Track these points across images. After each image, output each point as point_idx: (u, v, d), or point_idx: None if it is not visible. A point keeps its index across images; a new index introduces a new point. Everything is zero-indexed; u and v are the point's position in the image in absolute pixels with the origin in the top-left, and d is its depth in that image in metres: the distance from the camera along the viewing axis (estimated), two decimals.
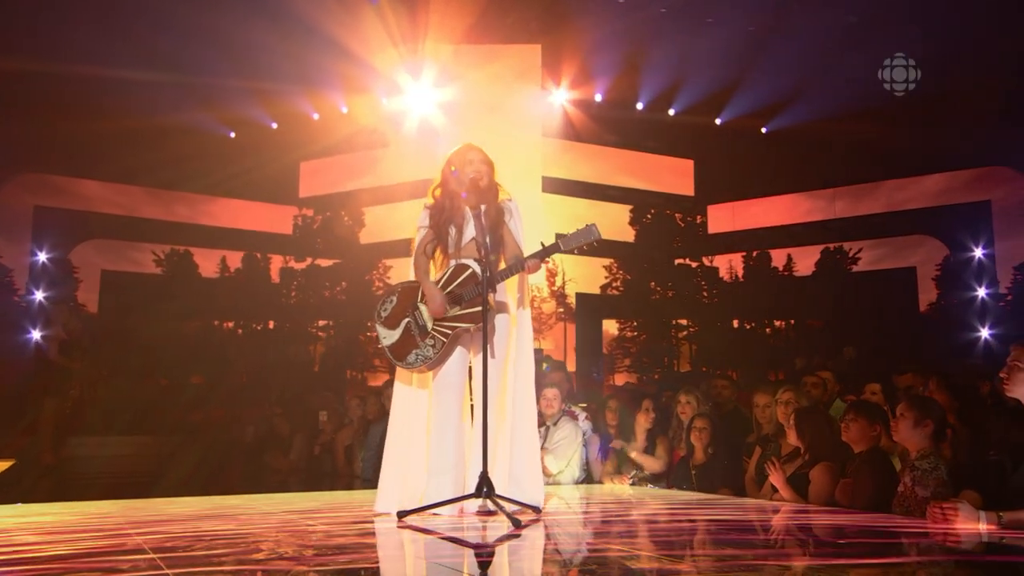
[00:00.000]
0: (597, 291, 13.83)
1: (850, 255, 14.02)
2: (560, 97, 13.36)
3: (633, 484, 5.91)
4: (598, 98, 13.44)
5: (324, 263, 15.73)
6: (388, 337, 4.38)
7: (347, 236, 15.48)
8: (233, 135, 14.52)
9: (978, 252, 14.64)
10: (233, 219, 15.25)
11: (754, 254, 14.01)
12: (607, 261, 14.00)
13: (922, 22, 11.78)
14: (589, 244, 4.28)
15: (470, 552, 3.29)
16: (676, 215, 13.88)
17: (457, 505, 4.12)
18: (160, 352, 12.01)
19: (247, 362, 13.16)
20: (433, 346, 4.25)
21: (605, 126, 13.29)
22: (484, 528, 3.82)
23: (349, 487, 6.88)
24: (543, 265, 4.35)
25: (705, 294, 13.90)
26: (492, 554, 3.28)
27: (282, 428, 8.61)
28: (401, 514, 4.03)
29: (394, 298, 4.40)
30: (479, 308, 4.18)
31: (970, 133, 13.30)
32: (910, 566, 3.01)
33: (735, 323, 13.82)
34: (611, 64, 12.97)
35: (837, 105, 12.80)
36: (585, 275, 13.60)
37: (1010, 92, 12.15)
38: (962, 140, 13.55)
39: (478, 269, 4.26)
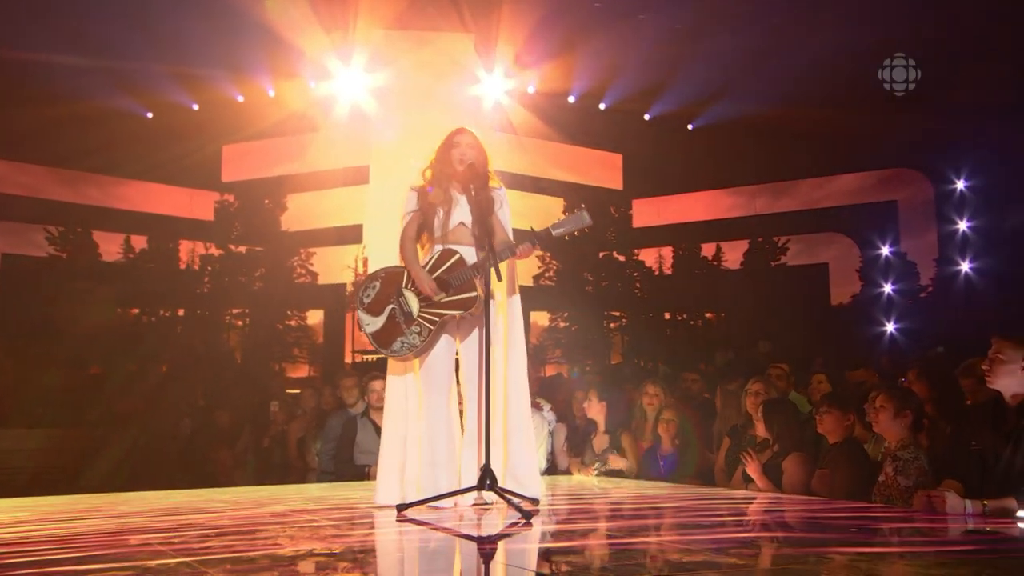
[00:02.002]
0: (530, 282, 13.91)
1: (779, 244, 14.50)
2: (493, 87, 13.33)
3: (598, 475, 5.99)
4: (531, 90, 13.47)
5: (244, 250, 15.29)
6: (371, 324, 4.27)
7: (269, 223, 15.08)
8: (150, 116, 13.95)
9: (885, 250, 15.37)
10: (149, 203, 14.66)
11: (682, 248, 14.33)
12: (540, 252, 14.07)
13: (832, 25, 12.26)
14: (580, 230, 4.29)
15: (474, 545, 3.30)
16: (611, 208, 14.07)
17: (455, 497, 4.11)
18: (78, 340, 11.46)
19: (171, 351, 12.69)
20: (419, 333, 4.19)
21: (538, 118, 13.34)
22: (479, 521, 3.83)
23: (303, 480, 6.75)
24: (534, 250, 4.33)
25: (639, 285, 14.14)
26: (495, 547, 3.30)
27: (223, 419, 8.36)
28: (401, 507, 3.99)
29: (377, 283, 4.31)
30: (468, 295, 4.15)
31: (880, 135, 13.95)
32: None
33: (667, 315, 14.11)
34: (544, 56, 13.01)
35: (761, 104, 13.22)
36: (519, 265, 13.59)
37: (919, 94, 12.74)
38: (872, 142, 14.21)
39: (466, 255, 4.23)
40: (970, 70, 12.52)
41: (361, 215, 13.92)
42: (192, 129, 13.68)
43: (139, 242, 14.88)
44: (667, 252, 14.59)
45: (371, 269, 14.59)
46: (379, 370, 6.48)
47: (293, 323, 15.72)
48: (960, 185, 15.01)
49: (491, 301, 4.21)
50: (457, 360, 4.38)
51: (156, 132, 13.66)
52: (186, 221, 14.85)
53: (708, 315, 14.12)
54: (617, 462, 5.91)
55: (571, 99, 13.74)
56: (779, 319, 13.69)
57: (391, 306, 4.23)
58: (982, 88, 12.60)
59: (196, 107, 13.89)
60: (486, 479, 3.88)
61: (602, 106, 13.88)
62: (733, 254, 14.55)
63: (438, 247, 4.23)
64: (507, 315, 4.34)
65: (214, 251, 14.95)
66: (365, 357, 13.31)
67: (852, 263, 15.23)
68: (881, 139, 14.10)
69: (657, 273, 14.38)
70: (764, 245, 14.26)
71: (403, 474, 4.27)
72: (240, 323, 15.57)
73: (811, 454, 4.90)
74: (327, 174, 13.76)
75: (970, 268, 14.69)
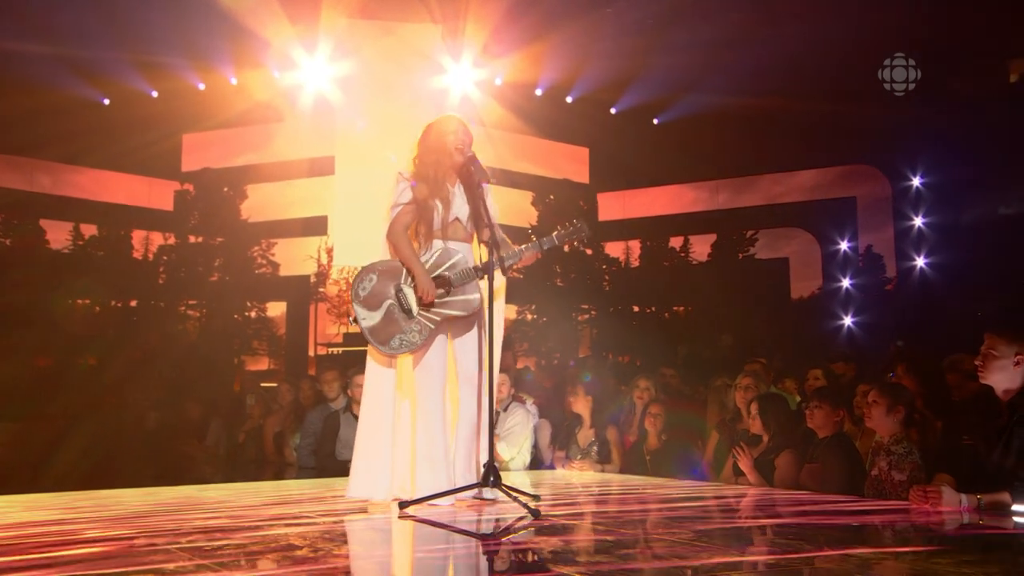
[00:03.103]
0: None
1: (748, 236, 14.66)
2: (460, 78, 13.26)
3: (583, 469, 5.99)
4: (498, 81, 13.43)
5: (203, 241, 14.98)
6: (368, 319, 4.16)
7: (229, 213, 14.80)
8: (107, 103, 13.62)
9: (843, 245, 15.65)
10: (105, 192, 14.30)
11: (649, 241, 14.41)
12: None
13: (793, 21, 12.43)
14: (579, 240, 4.29)
15: (479, 543, 3.28)
16: (580, 201, 14.10)
17: (453, 495, 4.07)
18: (37, 330, 11.15)
19: (128, 343, 12.39)
20: (419, 332, 4.12)
21: (506, 109, 13.31)
22: (481, 518, 3.81)
23: (280, 475, 6.64)
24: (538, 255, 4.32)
25: (607, 278, 14.19)
26: (501, 544, 3.28)
27: (193, 413, 8.20)
28: (402, 505, 3.94)
29: (374, 276, 4.18)
30: (469, 296, 4.12)
31: (839, 132, 14.20)
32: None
33: (635, 308, 14.18)
34: (512, 46, 12.99)
35: (725, 100, 13.36)
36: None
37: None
38: (831, 138, 14.45)
39: (468, 255, 4.19)
40: (929, 69, 12.80)
41: (326, 206, 13.76)
42: (151, 117, 13.39)
43: (90, 231, 14.51)
44: (635, 245, 14.66)
45: (336, 260, 14.53)
46: (363, 365, 6.42)
47: (253, 315, 15.46)
48: (916, 182, 15.32)
49: (492, 300, 4.13)
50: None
51: (114, 120, 13.33)
52: (144, 211, 14.50)
53: (677, 308, 14.23)
54: (591, 463, 5.93)
55: (538, 91, 13.75)
56: (741, 313, 13.85)
57: (389, 302, 4.14)
58: (940, 86, 12.89)
59: (155, 95, 13.59)
60: (489, 476, 3.85)
61: (569, 99, 13.91)
62: (701, 247, 14.70)
63: (438, 244, 4.15)
64: (492, 316, 4.26)
65: (172, 241, 14.64)
66: (331, 350, 13.17)
67: (813, 258, 15.47)
68: (840, 135, 14.34)
69: (624, 266, 14.45)
70: (732, 236, 14.40)
71: (388, 469, 4.19)
72: (195, 314, 15.27)
73: (801, 449, 4.96)
74: (291, 164, 13.58)
75: (925, 264, 15.01)
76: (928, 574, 2.47)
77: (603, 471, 5.97)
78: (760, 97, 13.01)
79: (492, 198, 4.35)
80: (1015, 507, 3.81)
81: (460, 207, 4.21)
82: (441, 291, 4.10)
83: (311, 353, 14.00)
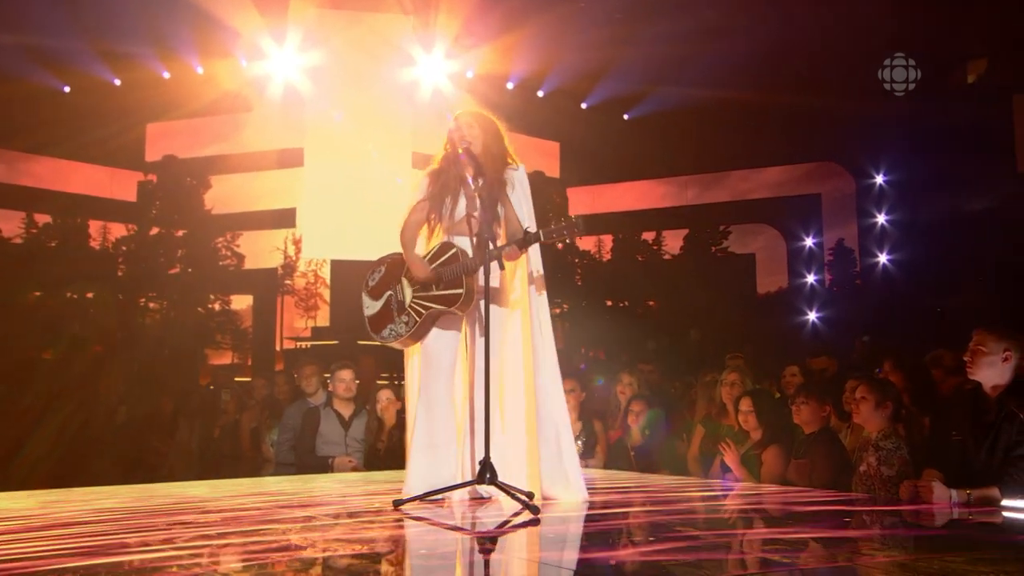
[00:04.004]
0: None
1: (721, 229, 14.78)
2: (432, 70, 13.15)
3: None
4: (470, 74, 13.35)
5: (165, 232, 14.71)
6: (370, 307, 4.29)
7: (194, 205, 14.54)
8: (68, 90, 13.29)
9: (809, 242, 15.86)
10: (65, 181, 13.97)
11: (622, 235, 14.49)
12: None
13: (760, 19, 12.55)
14: (572, 235, 4.22)
15: (472, 539, 3.26)
16: (554, 195, 14.11)
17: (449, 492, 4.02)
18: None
19: (95, 337, 12.13)
20: (406, 323, 4.12)
21: (477, 102, 13.22)
22: (478, 514, 3.78)
23: (257, 472, 6.55)
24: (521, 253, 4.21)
25: (579, 272, 14.23)
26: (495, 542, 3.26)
27: (165, 408, 8.03)
28: (397, 503, 3.89)
29: (382, 268, 4.28)
30: (453, 291, 4.07)
31: (804, 129, 14.37)
32: None
33: (608, 303, 14.23)
34: (484, 38, 12.92)
35: (694, 97, 13.44)
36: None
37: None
38: (797, 135, 14.62)
39: (467, 246, 4.14)
40: (891, 67, 12.99)
41: (295, 198, 13.59)
42: (114, 106, 13.08)
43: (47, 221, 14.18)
44: (606, 239, 14.72)
45: (304, 253, 14.38)
46: (344, 359, 6.36)
47: (217, 307, 15.22)
48: (879, 180, 15.56)
49: (490, 296, 4.04)
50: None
51: (75, 109, 13.02)
52: (106, 201, 14.20)
53: (650, 303, 14.32)
54: (585, 446, 5.92)
55: (510, 85, 13.69)
56: (708, 308, 13.96)
57: (389, 293, 4.18)
58: (901, 86, 13.08)
59: (118, 83, 13.29)
60: (485, 473, 3.81)
61: (540, 93, 13.88)
62: (672, 242, 14.81)
63: (441, 238, 4.14)
64: (528, 312, 4.13)
65: (131, 232, 14.32)
66: (299, 344, 13.05)
67: (779, 254, 15.64)
68: (806, 132, 14.50)
69: (596, 259, 14.49)
70: (705, 230, 14.52)
71: (433, 465, 4.12)
72: (156, 306, 15.00)
73: (787, 444, 4.99)
74: (259, 155, 13.37)
75: (888, 260, 15.25)
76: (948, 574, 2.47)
77: (586, 466, 5.96)
78: (729, 90, 13.09)
79: (521, 184, 4.26)
80: (1004, 502, 3.87)
81: (468, 202, 4.15)
82: (433, 288, 4.06)
83: (278, 347, 13.83)
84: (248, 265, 14.48)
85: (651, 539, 3.14)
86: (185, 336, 14.28)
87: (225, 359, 15.13)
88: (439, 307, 4.07)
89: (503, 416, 4.16)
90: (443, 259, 4.08)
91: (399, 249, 4.21)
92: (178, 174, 13.99)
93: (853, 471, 4.57)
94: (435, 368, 4.12)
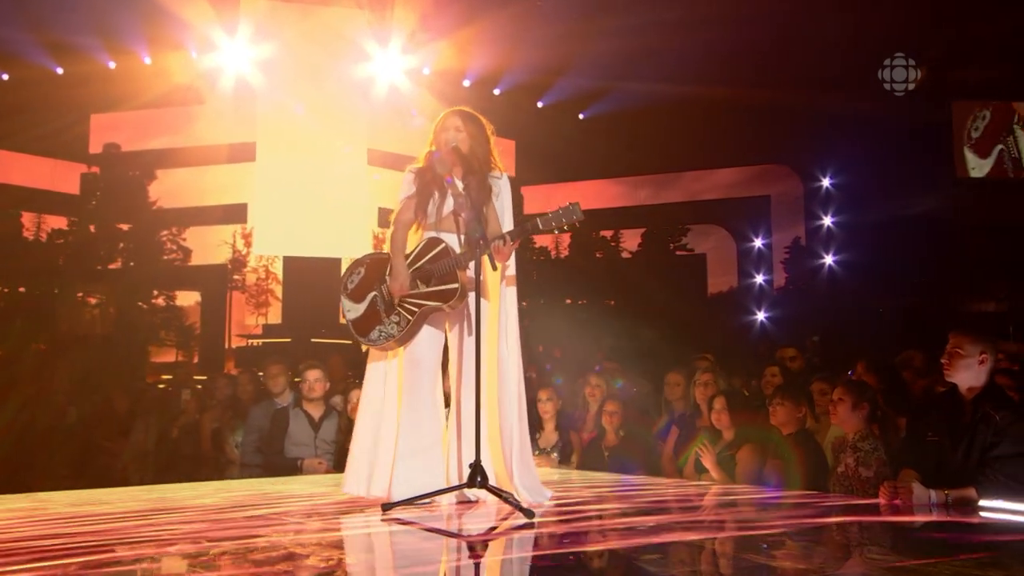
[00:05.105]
0: None
1: (680, 226, 14.91)
2: (387, 67, 13.00)
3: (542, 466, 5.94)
4: (426, 71, 13.24)
5: (106, 225, 14.29)
6: (352, 311, 4.08)
7: (136, 197, 14.14)
8: (6, 77, 12.84)
9: (758, 242, 16.12)
10: (2, 173, 13.49)
11: (577, 235, 14.53)
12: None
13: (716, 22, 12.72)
14: (571, 223, 4.13)
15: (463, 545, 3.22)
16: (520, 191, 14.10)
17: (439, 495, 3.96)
18: None
19: (38, 333, 11.75)
20: (398, 323, 4.01)
21: (432, 100, 13.12)
22: (471, 520, 3.73)
23: (221, 473, 6.35)
24: (515, 245, 4.17)
25: (535, 269, 14.24)
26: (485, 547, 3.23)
27: (119, 407, 7.78)
28: (386, 507, 3.81)
29: (362, 270, 4.10)
30: (447, 287, 4.00)
31: (755, 131, 14.61)
32: None
33: (568, 300, 14.26)
34: (440, 34, 12.84)
35: (649, 95, 13.55)
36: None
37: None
38: (748, 138, 14.85)
39: (454, 243, 4.07)
40: (838, 74, 13.28)
41: (246, 193, 13.32)
42: (56, 96, 12.67)
43: None
44: (564, 236, 14.75)
45: (255, 248, 14.10)
46: (312, 358, 6.24)
47: (161, 302, 14.83)
48: (826, 182, 15.90)
49: (481, 293, 3.98)
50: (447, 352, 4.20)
51: (14, 98, 12.57)
52: (46, 193, 13.74)
53: (609, 301, 14.40)
54: (562, 454, 5.89)
55: (466, 83, 13.61)
56: (661, 307, 14.07)
57: (373, 294, 4.03)
58: (849, 91, 13.38)
59: (61, 72, 12.88)
60: (476, 476, 3.75)
61: (497, 91, 13.84)
62: (628, 241, 14.91)
63: (428, 234, 4.04)
64: (498, 307, 4.15)
65: (66, 225, 13.88)
66: (250, 342, 12.80)
67: (729, 254, 15.87)
68: (756, 134, 14.74)
69: (554, 257, 14.51)
70: (662, 229, 14.66)
71: (375, 465, 4.07)
72: (94, 301, 14.58)
73: (760, 444, 5.03)
74: (210, 149, 13.07)
75: (833, 261, 15.59)
76: None
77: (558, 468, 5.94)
78: (684, 87, 13.23)
79: (505, 193, 4.21)
80: (981, 503, 3.95)
81: (456, 200, 4.07)
82: (424, 285, 3.98)
83: (228, 345, 13.54)
84: (195, 260, 14.14)
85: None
86: (130, 333, 13.91)
87: (168, 356, 14.77)
88: (432, 304, 3.97)
89: (504, 416, 4.12)
90: (431, 255, 3.99)
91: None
92: (122, 167, 13.58)
93: (831, 472, 4.62)
94: (421, 369, 4.04)
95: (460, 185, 4.02)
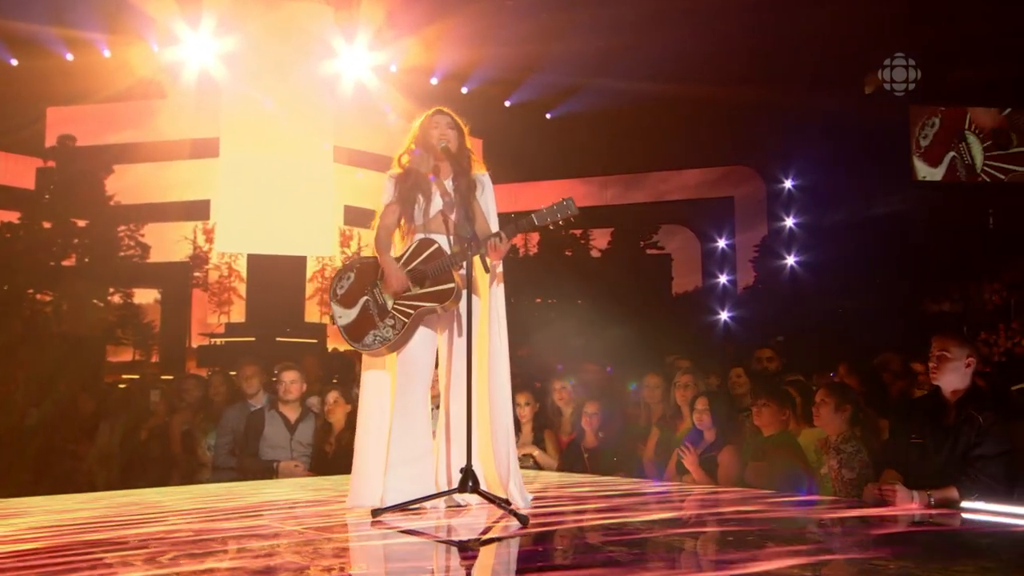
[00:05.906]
0: None
1: (651, 224, 14.95)
2: (354, 63, 12.86)
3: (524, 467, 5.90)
4: (393, 68, 13.12)
5: (59, 220, 13.90)
6: (344, 316, 4.00)
7: (92, 192, 13.76)
8: None
9: (722, 243, 16.25)
10: None
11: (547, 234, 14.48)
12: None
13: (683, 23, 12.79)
14: (566, 218, 4.09)
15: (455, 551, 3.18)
16: None
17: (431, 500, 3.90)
18: None
19: None
20: (393, 327, 3.94)
21: (399, 97, 13.00)
22: (468, 525, 3.68)
23: (191, 476, 6.21)
24: (511, 242, 4.13)
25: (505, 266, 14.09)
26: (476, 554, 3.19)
27: (84, 408, 7.57)
28: (376, 512, 3.74)
29: (351, 275, 4.03)
30: (444, 287, 3.94)
31: (720, 133, 14.73)
32: None
33: (538, 300, 14.18)
34: (407, 30, 12.73)
35: (615, 98, 13.60)
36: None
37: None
38: (713, 139, 14.97)
39: (445, 244, 4.01)
40: (802, 76, 13.43)
41: (208, 189, 13.07)
42: (10, 87, 12.32)
43: None
44: (533, 235, 14.69)
45: (217, 246, 13.83)
46: (286, 359, 6.13)
47: (117, 300, 14.44)
48: (788, 184, 16.07)
49: (474, 294, 3.93)
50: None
51: None
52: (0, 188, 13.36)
53: (579, 301, 14.35)
54: (543, 458, 5.84)
55: (433, 80, 13.52)
56: (627, 307, 14.09)
57: (365, 298, 3.95)
58: (812, 93, 13.54)
59: (15, 63, 12.53)
60: (467, 481, 3.70)
61: (464, 90, 13.77)
62: (600, 238, 14.93)
63: (418, 236, 3.97)
64: (488, 306, 4.10)
65: (17, 220, 13.46)
66: (212, 341, 12.55)
67: (693, 254, 15.98)
68: (721, 136, 14.86)
69: (522, 255, 14.45)
70: (628, 229, 14.69)
71: (378, 474, 3.99)
72: (45, 298, 14.17)
73: (741, 445, 5.04)
74: (171, 144, 12.79)
75: (795, 262, 15.75)
76: None
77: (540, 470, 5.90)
78: (650, 86, 13.27)
79: (489, 190, 4.17)
80: (963, 503, 3.99)
81: (443, 201, 4.02)
82: (418, 287, 3.91)
83: (189, 344, 13.27)
84: (155, 257, 13.79)
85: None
86: (86, 331, 13.54)
87: (126, 356, 14.41)
88: (429, 305, 3.91)
89: (495, 417, 4.07)
90: (425, 255, 3.92)
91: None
92: (80, 161, 13.23)
93: (813, 474, 4.65)
94: (414, 373, 3.98)
95: (447, 184, 3.98)
